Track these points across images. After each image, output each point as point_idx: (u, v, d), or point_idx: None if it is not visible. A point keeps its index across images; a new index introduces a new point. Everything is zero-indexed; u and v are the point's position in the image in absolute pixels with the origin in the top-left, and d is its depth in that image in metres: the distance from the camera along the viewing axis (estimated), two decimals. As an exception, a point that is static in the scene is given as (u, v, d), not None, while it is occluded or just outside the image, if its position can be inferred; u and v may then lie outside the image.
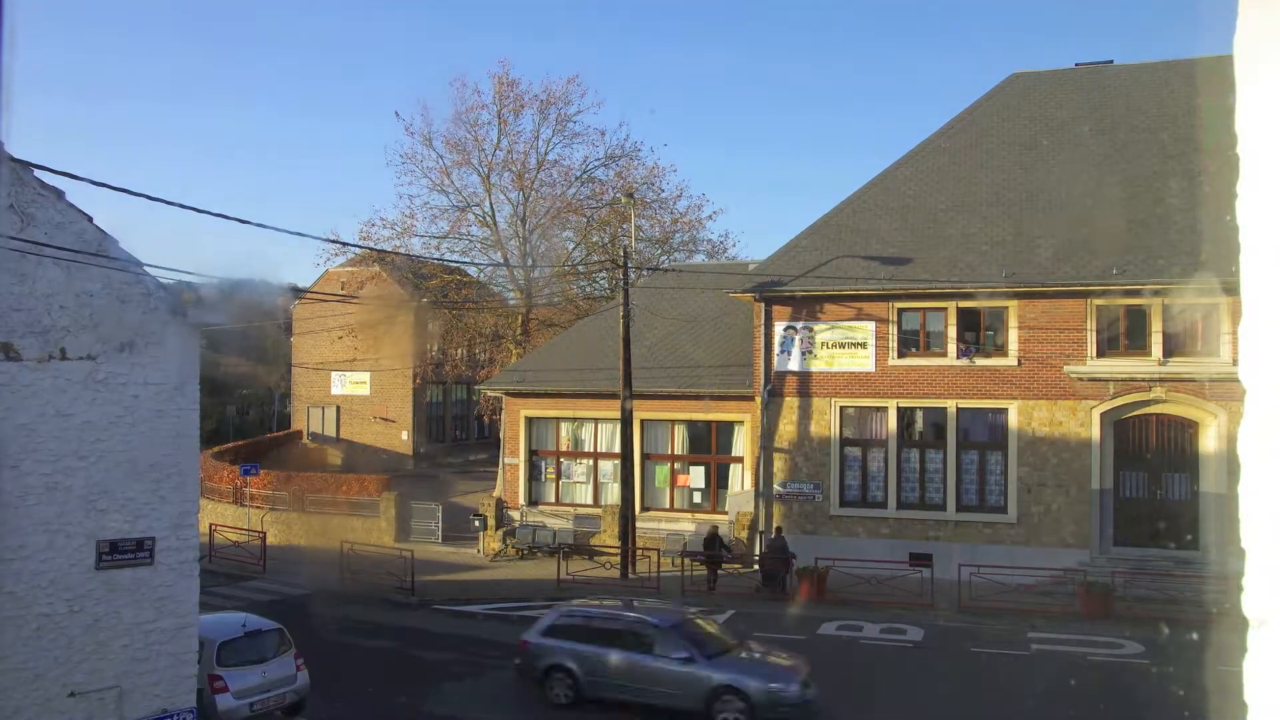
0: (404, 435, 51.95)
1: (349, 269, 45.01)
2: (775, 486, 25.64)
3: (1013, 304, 23.92)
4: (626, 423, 25.52)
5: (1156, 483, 23.39)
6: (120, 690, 11.14)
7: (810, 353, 25.52)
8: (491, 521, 29.01)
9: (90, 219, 10.97)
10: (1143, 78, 27.79)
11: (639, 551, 25.05)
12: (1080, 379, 23.40)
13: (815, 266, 25.47)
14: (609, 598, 19.54)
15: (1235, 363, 1.12)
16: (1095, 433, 23.30)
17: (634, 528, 25.67)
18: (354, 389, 52.48)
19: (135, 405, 11.27)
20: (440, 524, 30.70)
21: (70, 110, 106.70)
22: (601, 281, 42.36)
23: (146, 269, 11.51)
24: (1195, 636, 18.19)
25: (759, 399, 25.82)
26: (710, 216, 67.71)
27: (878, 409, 25.18)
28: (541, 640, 15.76)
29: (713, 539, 24.21)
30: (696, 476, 28.39)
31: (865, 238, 25.98)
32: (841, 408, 25.38)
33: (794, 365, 25.64)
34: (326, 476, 36.28)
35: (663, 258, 41.74)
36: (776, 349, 25.75)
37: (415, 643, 19.65)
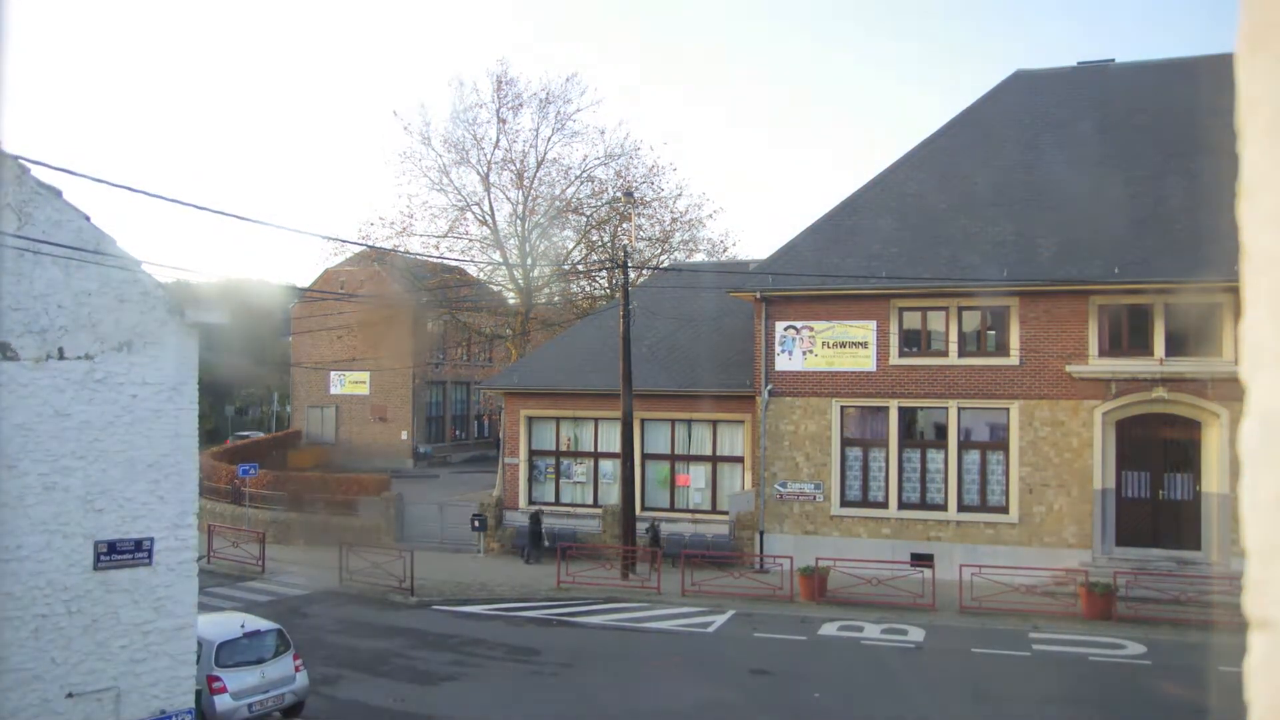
0: (403, 435, 51.94)
1: (348, 268, 45.03)
2: (775, 486, 25.62)
3: (1014, 303, 23.89)
4: (627, 423, 25.48)
5: (1159, 483, 23.35)
6: (118, 691, 11.12)
7: (811, 352, 25.48)
8: (491, 522, 28.99)
9: (88, 217, 10.94)
10: (1144, 77, 27.76)
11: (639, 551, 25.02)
12: (1082, 379, 23.36)
13: (816, 266, 25.43)
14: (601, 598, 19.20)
15: (1237, 362, 1.09)
16: (1097, 432, 23.25)
17: (635, 527, 25.65)
18: (353, 389, 52.48)
19: (133, 405, 11.24)
20: (440, 524, 30.66)
21: (68, 109, 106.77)
22: (601, 281, 42.31)
23: (144, 268, 11.48)
24: (1197, 637, 18.18)
25: (759, 399, 25.78)
26: (710, 215, 67.93)
27: (878, 409, 25.14)
28: None
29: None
30: (696, 476, 28.38)
31: (866, 237, 25.94)
32: (842, 408, 25.35)
33: (794, 365, 25.61)
34: (326, 476, 36.26)
35: (663, 257, 41.68)
36: (777, 348, 25.72)
37: (414, 643, 19.63)
